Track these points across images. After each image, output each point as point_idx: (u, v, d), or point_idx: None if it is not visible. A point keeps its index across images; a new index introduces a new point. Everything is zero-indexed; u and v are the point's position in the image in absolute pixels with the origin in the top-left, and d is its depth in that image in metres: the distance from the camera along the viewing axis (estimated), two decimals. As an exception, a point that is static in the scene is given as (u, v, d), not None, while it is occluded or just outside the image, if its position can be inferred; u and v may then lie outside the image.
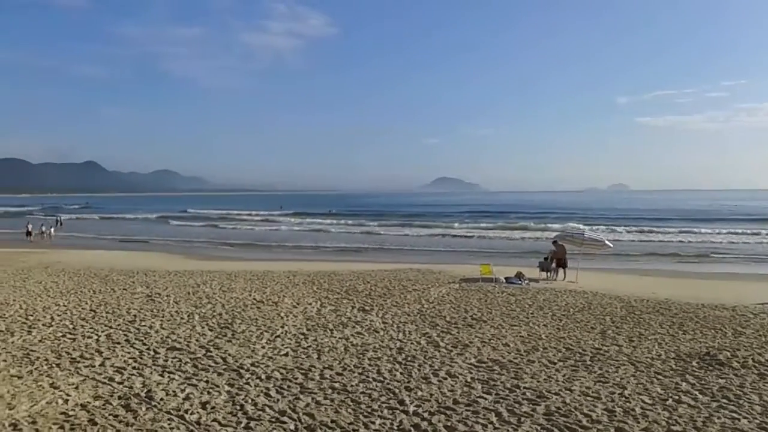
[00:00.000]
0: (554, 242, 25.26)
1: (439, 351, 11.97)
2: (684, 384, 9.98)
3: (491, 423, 8.12)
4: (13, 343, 12.18)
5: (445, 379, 10.10)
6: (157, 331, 13.44)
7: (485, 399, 9.08)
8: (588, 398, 9.16)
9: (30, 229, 47.72)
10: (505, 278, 22.52)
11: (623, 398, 9.19)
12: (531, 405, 8.82)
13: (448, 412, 8.49)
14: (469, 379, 10.08)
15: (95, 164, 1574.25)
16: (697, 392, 9.55)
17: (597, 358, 11.54)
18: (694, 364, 11.26)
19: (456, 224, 66.81)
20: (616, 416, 8.41)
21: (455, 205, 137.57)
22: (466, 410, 8.58)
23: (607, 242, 24.83)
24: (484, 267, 23.38)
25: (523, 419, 8.25)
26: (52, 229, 49.65)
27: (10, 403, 8.62)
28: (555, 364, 11.14)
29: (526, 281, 22.34)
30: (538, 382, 9.99)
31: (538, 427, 7.97)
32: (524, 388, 9.63)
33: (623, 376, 10.36)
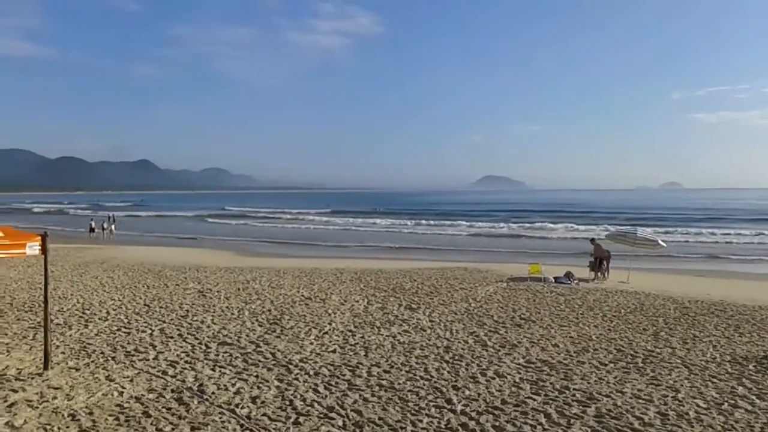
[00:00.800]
0: (592, 240, 24.79)
1: (487, 350, 11.91)
2: (740, 388, 9.70)
3: (540, 424, 8.03)
4: (71, 336, 12.61)
5: (493, 378, 10.04)
6: (208, 326, 13.73)
7: (534, 400, 8.99)
8: (640, 401, 8.98)
9: (93, 226, 49.38)
10: (554, 278, 22.21)
11: (676, 401, 8.99)
12: (581, 407, 8.69)
13: (496, 412, 8.44)
14: (517, 380, 9.99)
15: (148, 162, 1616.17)
16: (754, 397, 9.27)
17: (649, 360, 11.31)
18: (750, 367, 10.93)
19: (502, 223, 66.21)
20: (669, 420, 8.22)
21: (502, 203, 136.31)
22: (515, 410, 8.51)
23: (660, 242, 24.24)
24: (532, 266, 23.11)
25: (572, 421, 8.14)
26: (113, 226, 51.21)
27: (68, 394, 8.93)
28: (606, 365, 10.95)
29: (575, 281, 21.98)
30: (589, 383, 9.84)
31: (589, 429, 7.85)
32: (574, 389, 9.50)
33: (676, 379, 10.13)
